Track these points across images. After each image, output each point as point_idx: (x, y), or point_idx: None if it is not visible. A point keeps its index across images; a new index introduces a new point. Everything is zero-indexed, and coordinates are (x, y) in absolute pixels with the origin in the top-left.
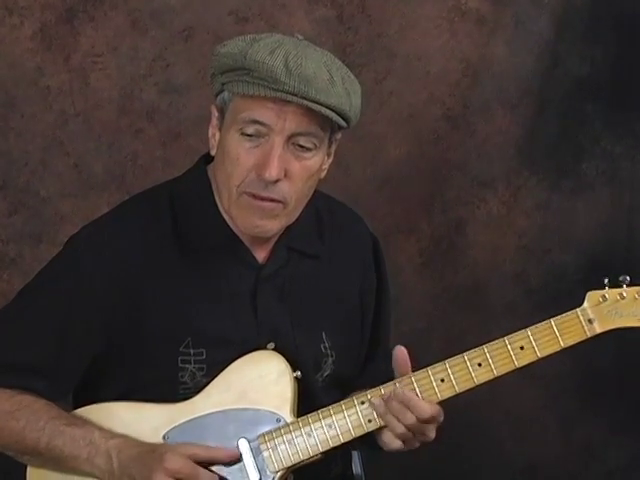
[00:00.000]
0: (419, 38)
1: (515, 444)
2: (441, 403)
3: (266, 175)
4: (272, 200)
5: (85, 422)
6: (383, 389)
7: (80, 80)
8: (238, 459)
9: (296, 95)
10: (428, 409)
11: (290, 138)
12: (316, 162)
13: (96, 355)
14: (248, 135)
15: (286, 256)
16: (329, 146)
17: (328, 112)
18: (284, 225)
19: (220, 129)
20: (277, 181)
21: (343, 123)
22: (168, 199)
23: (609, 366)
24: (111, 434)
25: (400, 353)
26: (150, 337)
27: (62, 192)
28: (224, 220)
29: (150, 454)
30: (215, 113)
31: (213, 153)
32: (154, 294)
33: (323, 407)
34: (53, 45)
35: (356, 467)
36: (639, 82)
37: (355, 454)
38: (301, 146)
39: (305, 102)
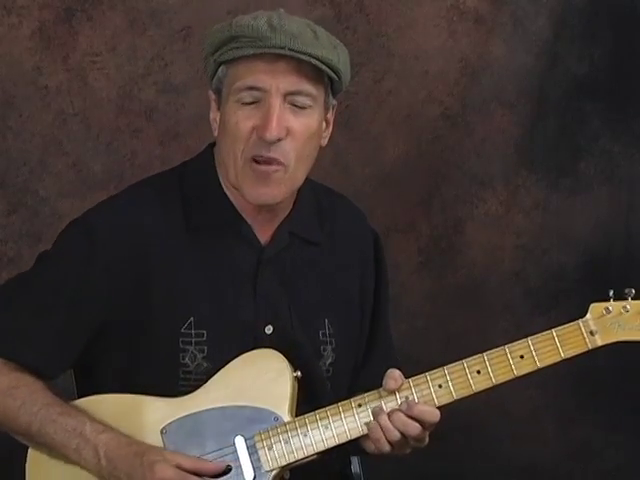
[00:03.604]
0: (417, 37)
1: (514, 444)
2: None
3: (267, 135)
4: (275, 161)
5: (78, 412)
6: (381, 393)
7: (79, 80)
8: (225, 471)
9: (283, 48)
10: (431, 411)
11: (286, 97)
12: (315, 120)
13: (99, 326)
14: (246, 103)
15: (287, 240)
16: (325, 110)
17: (317, 63)
18: (288, 192)
19: (219, 108)
20: (279, 140)
21: (334, 76)
22: (177, 180)
23: (607, 366)
24: (102, 428)
25: (392, 375)
26: (153, 315)
27: (61, 191)
28: (228, 199)
29: (138, 459)
30: (212, 96)
31: (216, 134)
32: (161, 271)
33: (327, 400)
34: (51, 45)
35: (355, 467)
36: (637, 81)
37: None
38: (298, 106)
39: (293, 54)
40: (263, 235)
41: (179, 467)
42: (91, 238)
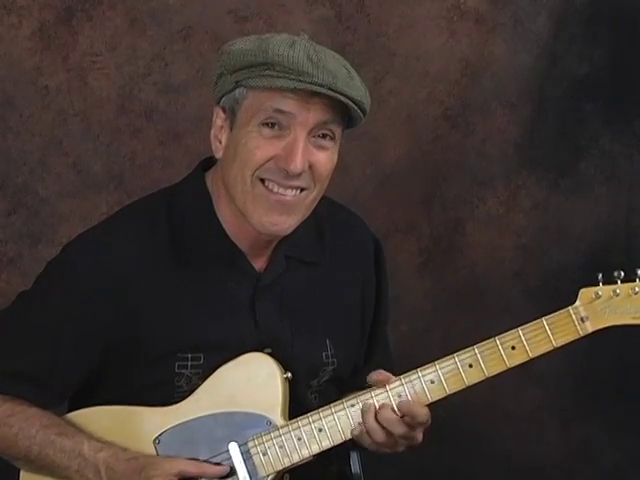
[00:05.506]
0: (418, 37)
1: (515, 444)
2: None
3: (291, 167)
4: (295, 188)
5: (76, 432)
6: (373, 392)
7: (79, 80)
8: (229, 473)
9: (324, 86)
10: (425, 413)
11: (311, 132)
12: (334, 155)
13: (92, 364)
14: (270, 125)
15: (284, 265)
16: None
17: (353, 105)
18: (299, 222)
19: (231, 128)
20: (300, 174)
21: (361, 117)
22: (165, 208)
23: (608, 366)
24: (100, 446)
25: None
26: (147, 348)
27: (61, 192)
28: (222, 229)
29: (138, 474)
30: (221, 114)
31: (219, 156)
32: (151, 305)
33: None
34: (52, 45)
35: (355, 467)
36: (638, 81)
37: (354, 454)
38: (323, 136)
39: (333, 94)
40: (258, 261)
41: (182, 474)
42: (72, 275)
